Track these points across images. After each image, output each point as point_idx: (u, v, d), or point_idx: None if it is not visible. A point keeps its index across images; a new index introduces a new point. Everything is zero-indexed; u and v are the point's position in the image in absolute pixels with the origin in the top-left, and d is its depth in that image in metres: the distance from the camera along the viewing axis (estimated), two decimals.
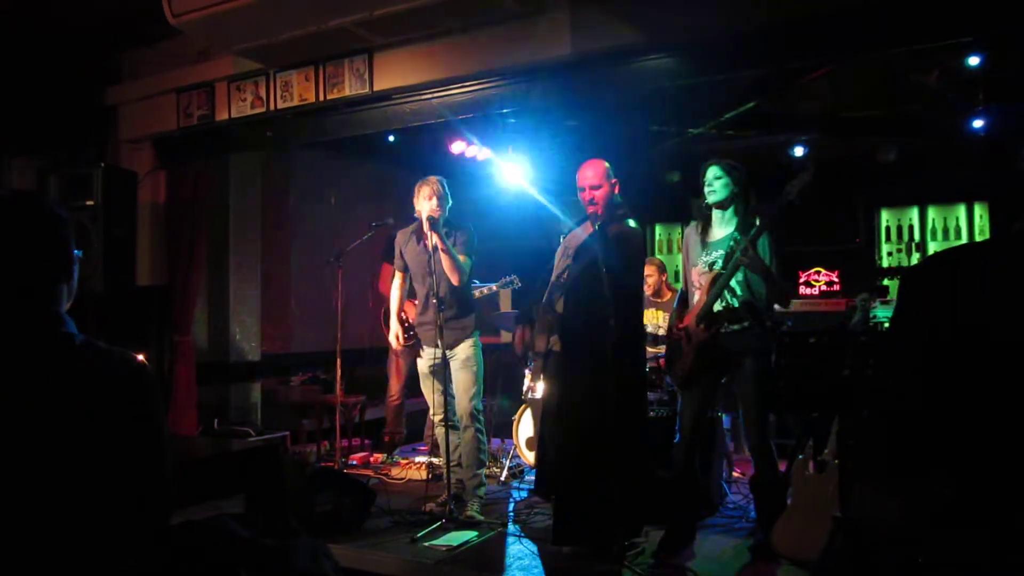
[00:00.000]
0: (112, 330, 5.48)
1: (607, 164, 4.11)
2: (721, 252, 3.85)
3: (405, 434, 6.61)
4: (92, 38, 5.96)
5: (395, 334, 5.04)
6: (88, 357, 1.60)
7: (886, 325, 5.64)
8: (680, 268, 4.31)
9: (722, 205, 3.90)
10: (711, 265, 3.87)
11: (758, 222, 3.74)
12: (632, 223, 4.07)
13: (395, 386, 6.40)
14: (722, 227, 3.93)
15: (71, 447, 1.52)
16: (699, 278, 3.93)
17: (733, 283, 3.80)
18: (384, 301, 6.30)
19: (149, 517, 1.62)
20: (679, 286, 4.44)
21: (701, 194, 3.95)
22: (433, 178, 4.64)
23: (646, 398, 4.46)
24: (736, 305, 3.81)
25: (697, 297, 3.92)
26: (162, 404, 1.73)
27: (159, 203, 6.32)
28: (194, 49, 5.79)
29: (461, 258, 4.56)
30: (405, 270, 4.88)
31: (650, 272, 5.76)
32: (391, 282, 6.20)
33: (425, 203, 4.56)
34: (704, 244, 3.95)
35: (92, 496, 1.53)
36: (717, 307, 3.84)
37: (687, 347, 3.91)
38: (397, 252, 4.88)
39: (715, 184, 3.87)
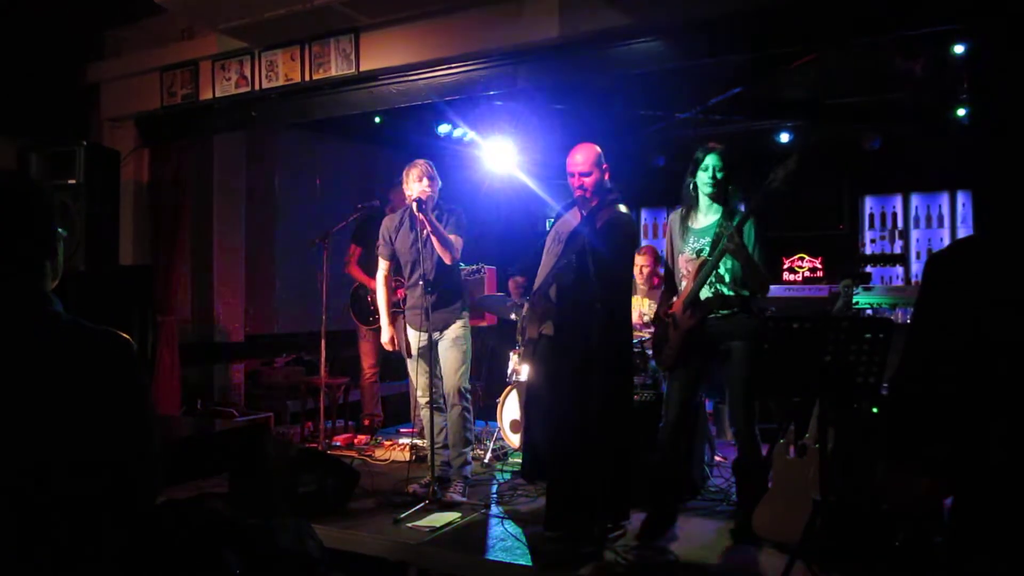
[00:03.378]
0: (94, 310, 5.41)
1: (599, 150, 4.05)
2: (708, 239, 3.85)
3: (383, 417, 6.61)
4: (75, 15, 5.89)
5: (390, 338, 4.87)
6: (74, 335, 1.60)
7: (869, 312, 5.70)
8: (664, 254, 4.31)
9: (716, 195, 3.89)
10: (699, 252, 3.89)
11: (743, 209, 3.75)
12: (622, 208, 4.06)
13: (367, 366, 6.40)
14: (708, 214, 3.94)
15: (57, 425, 1.52)
16: (686, 265, 3.94)
17: (721, 270, 3.82)
18: (353, 283, 6.27)
19: (136, 494, 1.62)
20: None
21: (691, 176, 3.93)
22: (421, 161, 4.58)
23: (631, 383, 4.47)
24: (724, 291, 3.83)
25: (684, 284, 3.94)
26: (147, 381, 1.74)
27: (142, 182, 6.27)
28: (178, 27, 5.74)
29: (452, 238, 4.55)
30: (391, 258, 4.76)
31: (645, 262, 5.77)
32: (356, 263, 6.19)
33: (415, 185, 4.49)
34: (690, 231, 3.96)
35: (78, 474, 1.53)
36: (705, 293, 3.86)
37: (674, 333, 3.93)
38: (384, 239, 4.77)
39: (718, 174, 3.85)
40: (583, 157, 4.00)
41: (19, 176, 1.79)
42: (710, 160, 3.87)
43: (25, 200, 1.65)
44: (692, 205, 3.98)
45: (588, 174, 3.98)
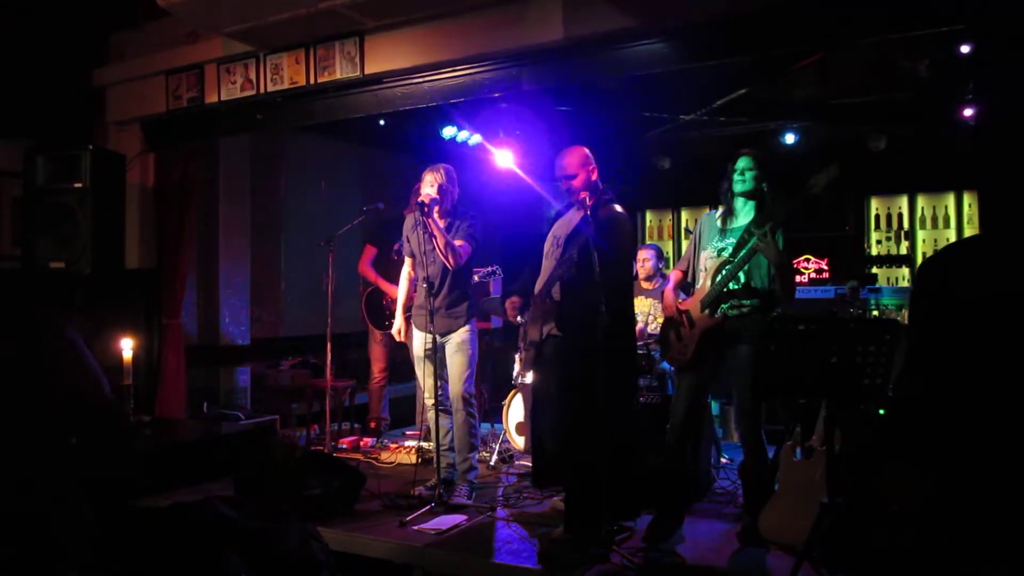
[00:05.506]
0: (100, 313, 5.46)
1: (584, 151, 4.15)
2: (733, 240, 3.86)
3: (389, 420, 6.61)
4: (80, 18, 5.91)
5: (398, 328, 4.98)
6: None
7: (876, 313, 5.69)
8: (684, 252, 4.31)
9: (749, 195, 3.90)
10: (720, 251, 3.89)
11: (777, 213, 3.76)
12: (618, 208, 4.08)
13: (377, 370, 6.41)
14: (741, 217, 3.95)
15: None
16: (705, 262, 3.95)
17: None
18: (359, 285, 6.28)
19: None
20: (669, 272, 4.47)
21: (727, 180, 3.94)
22: (438, 165, 4.68)
23: (636, 382, 4.47)
24: (739, 289, 3.82)
25: (701, 281, 3.94)
26: (75, 336, 1.89)
27: (148, 186, 6.28)
28: (183, 31, 5.74)
29: (457, 243, 4.56)
30: (412, 255, 4.87)
31: (648, 256, 5.79)
32: (369, 262, 6.22)
33: (425, 188, 4.61)
34: (718, 231, 3.96)
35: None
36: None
37: (689, 331, 3.92)
38: (404, 238, 4.89)
39: (746, 175, 3.88)
40: (565, 161, 4.14)
41: None
42: (741, 163, 3.91)
43: None
44: (728, 208, 3.98)
45: (573, 176, 4.11)
